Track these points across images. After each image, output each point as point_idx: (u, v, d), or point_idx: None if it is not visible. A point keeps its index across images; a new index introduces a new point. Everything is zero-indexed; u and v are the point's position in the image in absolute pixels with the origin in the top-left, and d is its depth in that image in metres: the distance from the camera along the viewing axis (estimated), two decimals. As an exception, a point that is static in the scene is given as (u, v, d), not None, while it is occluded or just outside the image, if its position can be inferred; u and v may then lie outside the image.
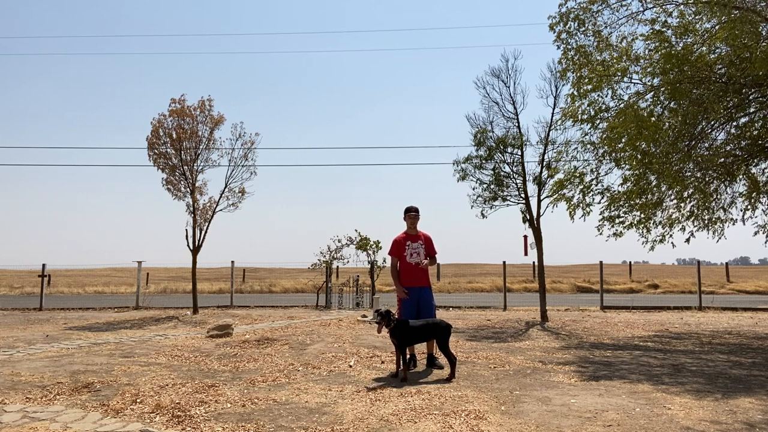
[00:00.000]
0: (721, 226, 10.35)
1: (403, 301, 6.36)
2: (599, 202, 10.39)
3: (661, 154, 8.91)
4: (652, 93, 9.02)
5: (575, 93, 9.21)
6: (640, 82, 9.16)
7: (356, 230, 15.76)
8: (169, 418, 4.23)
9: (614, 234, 10.32)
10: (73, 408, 4.52)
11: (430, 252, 6.64)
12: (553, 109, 11.51)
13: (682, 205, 10.08)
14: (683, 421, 4.13)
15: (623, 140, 8.92)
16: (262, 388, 5.25)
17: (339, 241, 15.73)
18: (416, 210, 6.58)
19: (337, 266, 18.85)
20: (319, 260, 15.85)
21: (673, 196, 9.91)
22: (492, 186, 11.80)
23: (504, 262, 17.03)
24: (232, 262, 17.71)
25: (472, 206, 12.13)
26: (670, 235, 10.42)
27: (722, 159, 9.35)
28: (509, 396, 4.91)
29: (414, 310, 6.32)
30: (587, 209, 10.51)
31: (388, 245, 6.67)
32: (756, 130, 9.32)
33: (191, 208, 12.51)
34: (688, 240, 10.44)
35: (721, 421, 4.12)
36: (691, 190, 9.65)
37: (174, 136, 12.34)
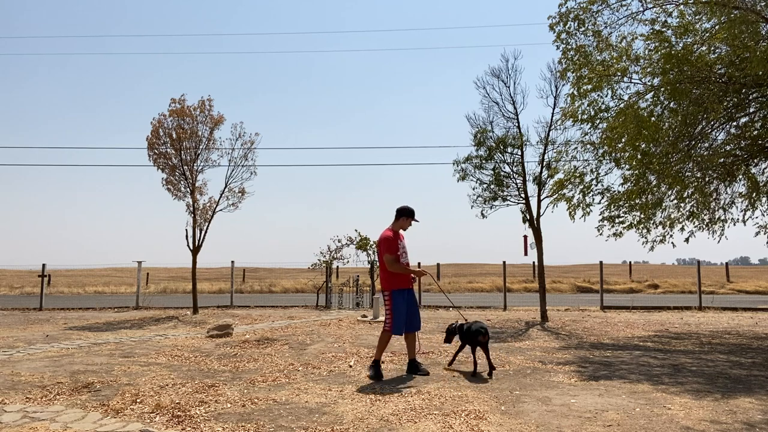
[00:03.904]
0: (722, 226, 10.36)
1: (396, 302, 5.91)
2: (599, 202, 10.40)
3: (661, 154, 8.91)
4: (652, 93, 9.02)
5: (575, 93, 9.20)
6: (640, 82, 9.16)
7: (356, 230, 15.76)
8: (169, 418, 4.23)
9: (614, 234, 10.32)
10: (73, 408, 4.52)
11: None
12: (553, 109, 11.52)
13: (682, 205, 10.08)
14: (683, 421, 4.13)
15: (623, 140, 8.92)
16: (262, 388, 5.25)
17: (339, 241, 15.73)
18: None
19: (337, 266, 18.86)
20: (319, 260, 15.85)
21: (673, 196, 9.91)
22: (492, 186, 11.81)
23: (504, 262, 17.03)
24: (232, 262, 17.72)
25: (472, 206, 12.15)
26: (671, 235, 10.43)
27: (722, 159, 9.35)
28: (509, 396, 4.91)
29: (405, 311, 5.95)
30: (587, 209, 10.51)
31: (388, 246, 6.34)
32: (756, 130, 9.32)
33: (191, 208, 12.51)
34: (687, 240, 10.45)
35: (721, 421, 4.12)
36: (691, 190, 9.65)
37: (174, 136, 12.35)
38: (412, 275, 6.07)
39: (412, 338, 6.09)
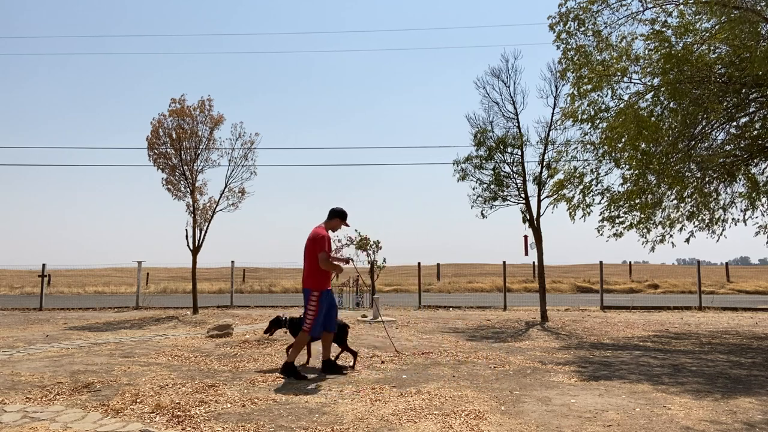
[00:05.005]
0: (722, 226, 10.36)
1: (323, 303, 5.89)
2: (599, 203, 10.41)
3: (661, 154, 8.91)
4: (652, 93, 9.02)
5: (575, 93, 9.21)
6: (640, 82, 9.16)
7: (356, 230, 15.73)
8: (169, 418, 4.23)
9: (614, 234, 10.33)
10: (73, 408, 4.52)
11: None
12: (553, 109, 11.52)
13: (682, 205, 10.09)
14: (683, 421, 4.13)
15: (623, 140, 8.92)
16: (262, 388, 5.25)
17: (339, 241, 15.67)
18: None
19: (337, 266, 18.83)
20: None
21: (672, 196, 9.91)
22: (492, 186, 11.82)
23: (504, 262, 17.03)
24: (232, 262, 17.71)
25: (472, 206, 12.16)
26: (670, 235, 10.44)
27: (722, 159, 9.35)
28: (509, 396, 4.91)
29: (325, 312, 5.96)
30: (587, 210, 10.52)
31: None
32: (756, 130, 9.32)
33: (191, 208, 12.51)
34: (688, 240, 10.46)
35: (721, 421, 4.12)
36: (690, 190, 9.66)
37: (174, 136, 12.34)
38: (335, 271, 6.10)
39: (329, 338, 6.12)
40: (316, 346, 6.65)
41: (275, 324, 6.66)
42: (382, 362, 6.66)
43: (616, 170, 10.17)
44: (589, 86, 8.99)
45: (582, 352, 7.52)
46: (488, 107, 11.95)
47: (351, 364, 6.35)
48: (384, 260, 15.18)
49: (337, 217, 6.20)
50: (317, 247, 5.88)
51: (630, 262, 31.20)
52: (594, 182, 10.34)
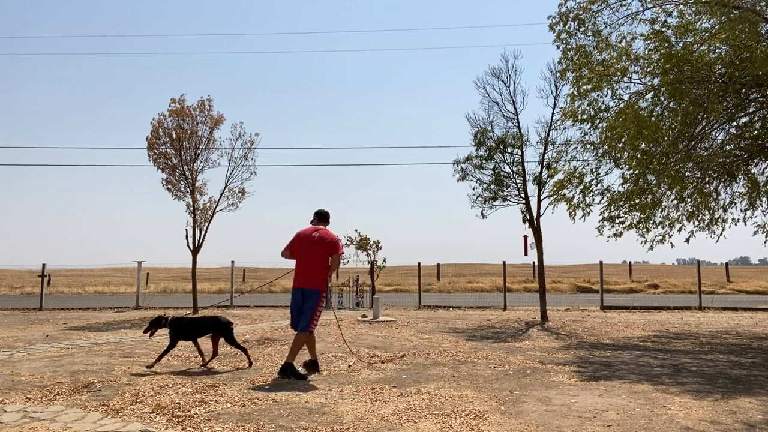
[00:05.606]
0: (722, 226, 10.36)
1: (323, 303, 6.23)
2: (599, 203, 10.41)
3: (661, 154, 8.91)
4: (652, 93, 9.02)
5: (575, 93, 9.21)
6: (640, 82, 9.17)
7: (356, 230, 15.74)
8: (169, 418, 4.23)
9: (614, 234, 10.33)
10: (73, 408, 4.51)
11: None
12: (553, 109, 11.53)
13: (682, 205, 10.09)
14: (683, 421, 4.13)
15: (623, 140, 8.93)
16: (262, 388, 5.25)
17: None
18: None
19: (337, 266, 18.85)
20: (319, 260, 15.79)
21: (672, 197, 9.91)
22: (492, 186, 11.83)
23: (504, 262, 17.04)
24: (232, 262, 17.73)
25: (472, 206, 12.18)
26: (670, 235, 10.44)
27: (722, 159, 9.35)
28: (509, 396, 4.91)
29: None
30: (587, 210, 10.53)
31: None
32: (756, 130, 9.32)
33: (191, 208, 12.52)
34: (687, 240, 10.46)
35: (721, 421, 4.12)
36: (690, 190, 9.66)
37: (174, 136, 12.36)
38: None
39: (313, 340, 6.16)
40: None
41: (155, 324, 6.43)
42: (382, 362, 6.67)
43: (616, 170, 10.19)
44: (589, 86, 9.00)
45: (582, 352, 7.52)
46: (488, 107, 11.98)
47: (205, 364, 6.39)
48: (384, 260, 15.19)
49: (328, 219, 6.46)
50: (334, 249, 6.16)
51: (630, 262, 31.23)
52: (594, 182, 10.35)
